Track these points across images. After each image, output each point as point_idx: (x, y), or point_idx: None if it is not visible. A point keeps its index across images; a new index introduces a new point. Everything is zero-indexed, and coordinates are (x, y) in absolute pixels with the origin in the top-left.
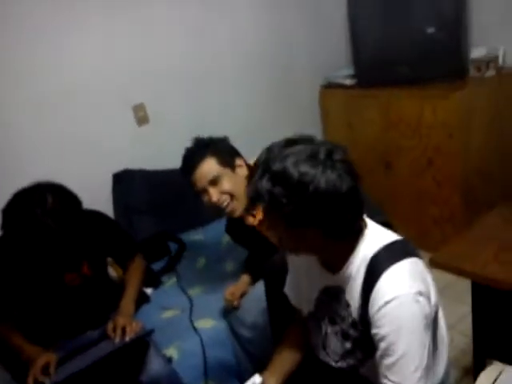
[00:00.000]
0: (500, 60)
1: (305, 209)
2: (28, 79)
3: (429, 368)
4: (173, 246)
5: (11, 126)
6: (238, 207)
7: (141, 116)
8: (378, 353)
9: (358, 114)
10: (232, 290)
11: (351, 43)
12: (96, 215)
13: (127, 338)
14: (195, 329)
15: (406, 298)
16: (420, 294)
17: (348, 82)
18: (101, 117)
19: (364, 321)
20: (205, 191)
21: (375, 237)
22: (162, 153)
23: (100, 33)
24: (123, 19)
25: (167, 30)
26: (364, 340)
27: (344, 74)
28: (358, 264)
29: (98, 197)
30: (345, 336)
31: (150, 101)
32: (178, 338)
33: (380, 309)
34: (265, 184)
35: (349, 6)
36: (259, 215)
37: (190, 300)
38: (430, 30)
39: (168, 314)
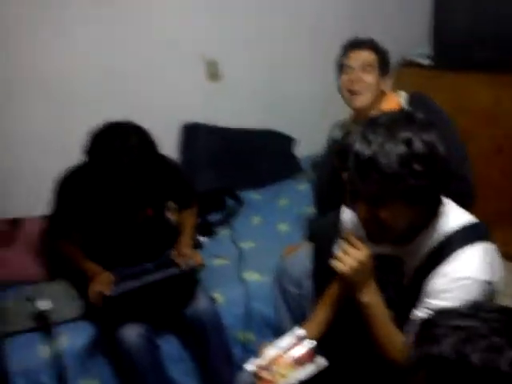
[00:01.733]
0: None
1: (433, 182)
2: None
3: None
4: (230, 203)
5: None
6: (364, 101)
7: (212, 72)
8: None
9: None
10: (290, 248)
11: (434, 22)
12: (166, 160)
13: (184, 266)
14: (242, 279)
15: (477, 281)
16: (489, 283)
17: (426, 62)
18: (175, 68)
19: (415, 292)
20: (350, 69)
21: (453, 215)
22: (230, 111)
23: None
24: None
25: None
26: (404, 311)
27: (422, 52)
28: (430, 239)
29: (164, 145)
30: (389, 304)
31: (224, 58)
32: (225, 285)
33: (450, 283)
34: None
35: None
36: None
37: (241, 252)
38: None
39: (218, 262)
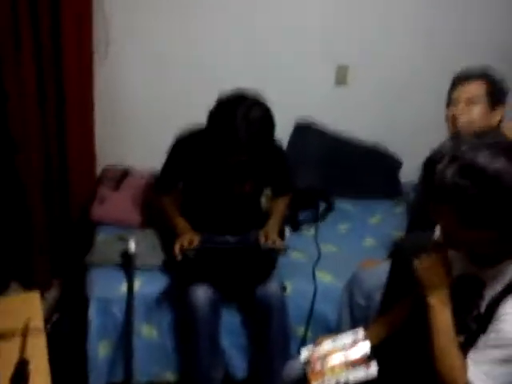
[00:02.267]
0: None
1: (491, 207)
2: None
3: None
4: (322, 206)
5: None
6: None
7: (341, 76)
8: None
9: None
10: (370, 261)
11: None
12: (277, 145)
13: (270, 244)
14: (314, 277)
15: None
16: None
17: None
18: (304, 67)
19: (488, 317)
20: (455, 103)
21: None
22: (348, 117)
23: None
24: None
25: None
26: (475, 337)
27: None
28: None
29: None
30: (462, 328)
31: (355, 64)
32: (296, 277)
33: None
34: (451, 174)
35: None
36: None
37: (319, 252)
38: None
39: (296, 256)
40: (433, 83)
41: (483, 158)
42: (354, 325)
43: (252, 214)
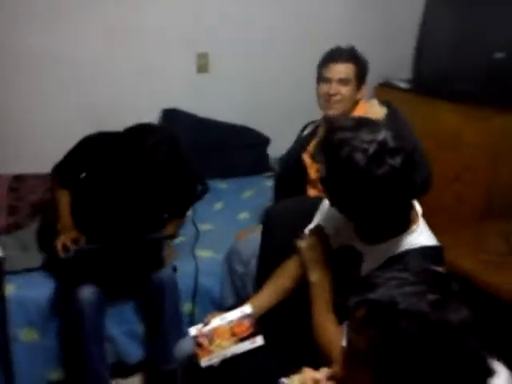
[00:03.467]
0: None
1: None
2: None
3: None
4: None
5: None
6: (338, 110)
7: (202, 64)
8: None
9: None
10: (244, 231)
11: (417, 49)
12: (185, 176)
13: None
14: (194, 255)
15: None
16: None
17: (404, 85)
18: (164, 56)
19: None
20: (328, 81)
21: (421, 235)
22: (213, 103)
23: None
24: None
25: None
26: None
27: (402, 77)
28: (393, 248)
29: None
30: (340, 292)
31: (214, 52)
32: (180, 258)
33: None
34: None
35: (425, 12)
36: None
37: (198, 232)
38: (499, 55)
39: (175, 241)
40: (292, 68)
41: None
42: (235, 293)
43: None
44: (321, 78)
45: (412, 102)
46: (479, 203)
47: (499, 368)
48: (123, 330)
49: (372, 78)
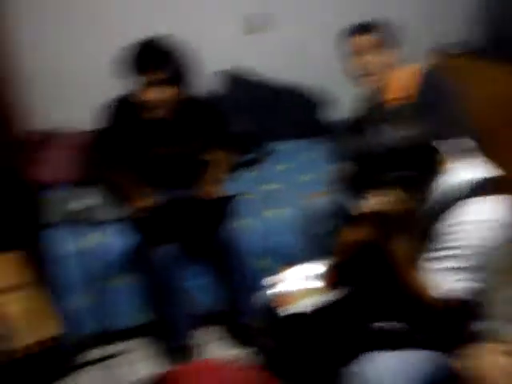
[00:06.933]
0: None
1: None
2: None
3: None
4: (255, 150)
5: None
6: (378, 81)
7: (249, 26)
8: None
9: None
10: (316, 194)
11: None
12: (201, 101)
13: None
14: (261, 214)
15: None
16: None
17: (458, 49)
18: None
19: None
20: (357, 54)
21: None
22: (263, 63)
23: None
24: None
25: None
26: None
27: (459, 40)
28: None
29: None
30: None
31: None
32: (247, 216)
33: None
34: None
35: None
36: None
37: (265, 191)
38: None
39: (242, 197)
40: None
41: None
42: (309, 249)
43: (191, 172)
44: (348, 55)
45: (465, 67)
46: None
47: None
48: (199, 283)
49: (426, 43)
